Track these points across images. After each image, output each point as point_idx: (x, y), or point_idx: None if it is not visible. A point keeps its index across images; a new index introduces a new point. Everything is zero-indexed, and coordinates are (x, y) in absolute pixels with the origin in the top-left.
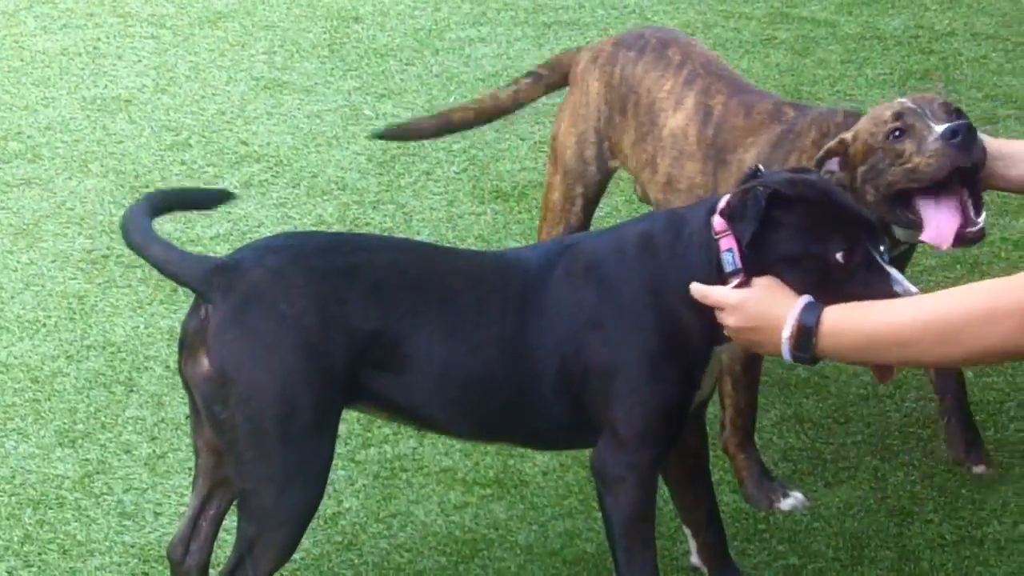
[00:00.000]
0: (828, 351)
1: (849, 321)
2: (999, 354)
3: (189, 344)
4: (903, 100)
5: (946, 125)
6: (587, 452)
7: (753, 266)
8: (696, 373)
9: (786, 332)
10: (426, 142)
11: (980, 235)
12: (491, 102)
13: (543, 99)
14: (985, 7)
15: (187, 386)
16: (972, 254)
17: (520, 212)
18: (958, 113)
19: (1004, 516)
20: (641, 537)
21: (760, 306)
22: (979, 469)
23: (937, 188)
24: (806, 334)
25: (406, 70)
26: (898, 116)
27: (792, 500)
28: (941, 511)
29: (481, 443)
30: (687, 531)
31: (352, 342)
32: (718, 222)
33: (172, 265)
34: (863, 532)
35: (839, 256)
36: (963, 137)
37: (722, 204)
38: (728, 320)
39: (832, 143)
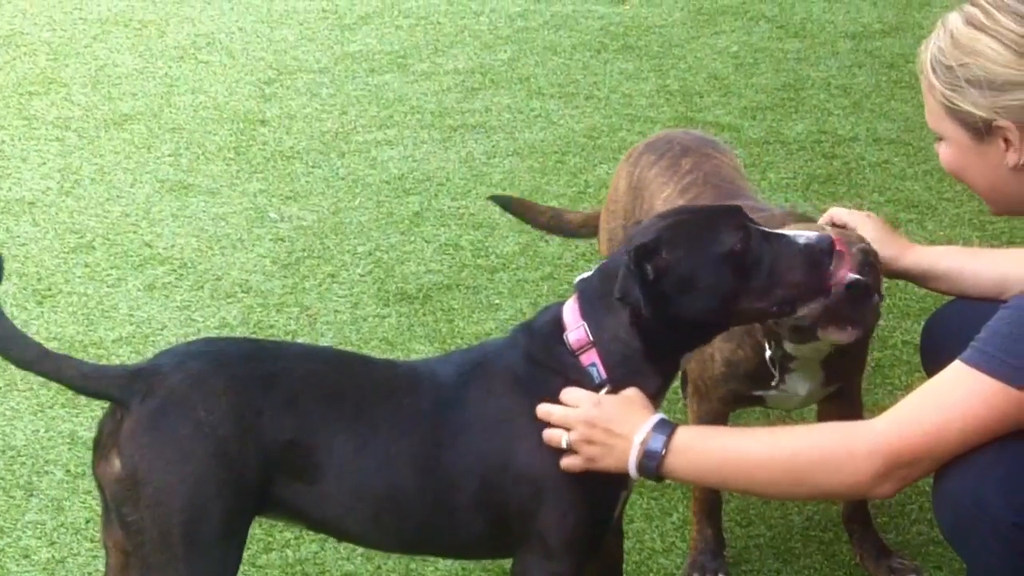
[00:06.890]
0: (675, 468)
1: (700, 443)
2: (844, 496)
3: (103, 445)
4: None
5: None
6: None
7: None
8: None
9: (639, 437)
10: (331, 244)
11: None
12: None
13: (447, 202)
14: (887, 113)
15: (99, 486)
16: (874, 357)
17: (425, 315)
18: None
19: None
20: None
21: (618, 410)
22: None
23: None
24: (655, 450)
25: (312, 172)
26: None
27: None
28: None
29: (403, 555)
30: None
31: (266, 452)
32: (574, 339)
33: (89, 380)
34: None
35: (737, 245)
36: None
37: (570, 308)
38: (583, 417)
39: None
